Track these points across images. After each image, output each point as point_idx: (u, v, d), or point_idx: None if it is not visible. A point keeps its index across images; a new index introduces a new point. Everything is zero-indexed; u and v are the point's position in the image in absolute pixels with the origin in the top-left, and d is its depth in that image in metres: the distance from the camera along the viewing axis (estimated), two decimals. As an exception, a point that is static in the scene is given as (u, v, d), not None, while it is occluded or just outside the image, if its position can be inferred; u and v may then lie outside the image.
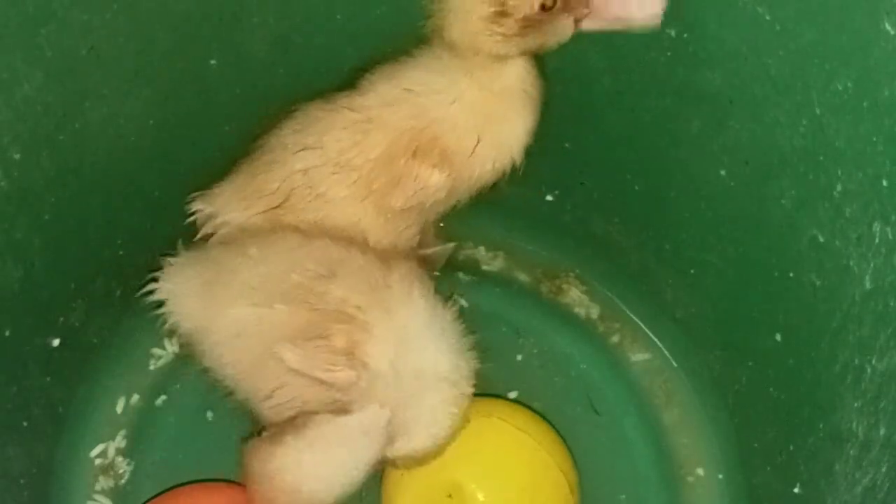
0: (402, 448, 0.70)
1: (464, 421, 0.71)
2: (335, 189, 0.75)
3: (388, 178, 0.74)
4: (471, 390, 0.71)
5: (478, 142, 0.74)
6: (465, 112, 0.74)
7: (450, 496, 0.74)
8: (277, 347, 0.68)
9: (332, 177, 0.75)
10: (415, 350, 0.69)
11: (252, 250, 0.73)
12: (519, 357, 0.89)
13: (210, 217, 0.78)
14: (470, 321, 0.88)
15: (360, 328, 0.68)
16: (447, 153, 0.74)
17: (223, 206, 0.78)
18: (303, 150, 0.76)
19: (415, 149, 0.74)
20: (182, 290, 0.74)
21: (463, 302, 0.90)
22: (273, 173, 0.76)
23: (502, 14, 0.70)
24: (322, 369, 0.67)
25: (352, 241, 0.74)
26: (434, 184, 0.74)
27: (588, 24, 0.71)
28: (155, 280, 0.75)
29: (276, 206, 0.76)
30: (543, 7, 0.69)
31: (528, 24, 0.70)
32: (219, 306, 0.72)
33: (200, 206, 0.79)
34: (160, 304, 0.75)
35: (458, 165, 0.75)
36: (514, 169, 0.76)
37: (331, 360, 0.67)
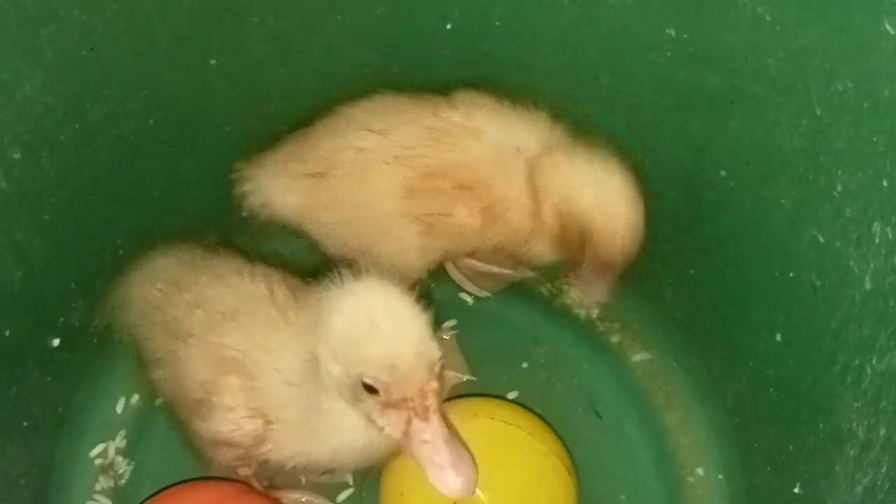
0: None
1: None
2: (379, 179, 0.74)
3: (428, 187, 0.74)
4: None
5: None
6: (530, 202, 0.74)
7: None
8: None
9: (383, 166, 0.74)
10: None
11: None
12: (525, 363, 0.89)
13: (249, 181, 0.79)
14: (471, 322, 0.89)
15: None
16: (491, 212, 0.74)
17: (267, 165, 0.78)
18: (367, 130, 0.75)
19: (469, 185, 0.73)
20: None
21: (468, 299, 0.90)
22: (328, 141, 0.76)
23: None
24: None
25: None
26: (458, 222, 0.74)
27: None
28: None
29: (316, 174, 0.76)
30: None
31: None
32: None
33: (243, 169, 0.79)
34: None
35: (490, 227, 0.75)
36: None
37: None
